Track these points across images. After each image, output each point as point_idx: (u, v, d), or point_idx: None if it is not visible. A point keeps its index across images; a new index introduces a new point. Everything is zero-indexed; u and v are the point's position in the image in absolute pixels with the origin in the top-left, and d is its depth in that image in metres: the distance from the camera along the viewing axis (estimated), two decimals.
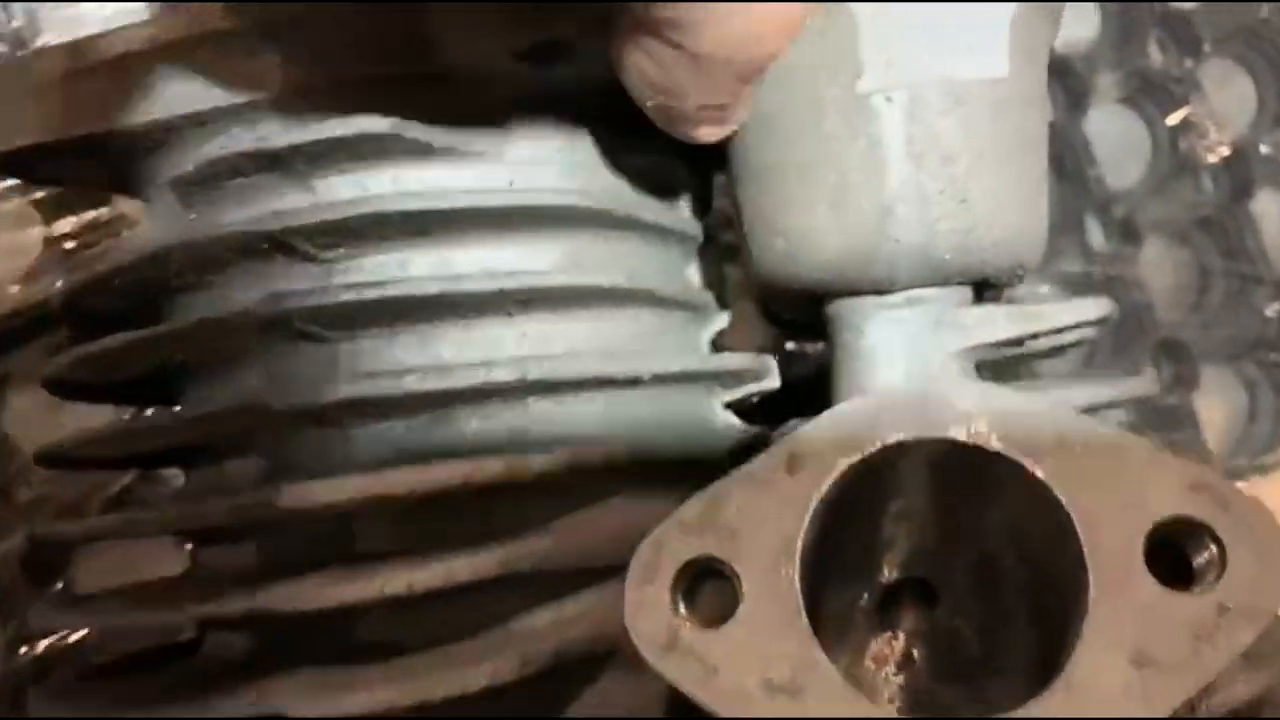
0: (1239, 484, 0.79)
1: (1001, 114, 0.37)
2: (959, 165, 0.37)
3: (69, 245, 0.60)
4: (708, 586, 0.34)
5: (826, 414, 0.34)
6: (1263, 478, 0.78)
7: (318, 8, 0.36)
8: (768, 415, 0.47)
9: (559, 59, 0.37)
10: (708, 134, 0.36)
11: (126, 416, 0.53)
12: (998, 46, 0.37)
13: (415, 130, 0.37)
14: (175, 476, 0.47)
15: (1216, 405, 0.78)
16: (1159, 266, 0.77)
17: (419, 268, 0.37)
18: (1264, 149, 0.78)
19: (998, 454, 0.33)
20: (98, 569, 0.52)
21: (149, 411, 0.50)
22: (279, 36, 0.36)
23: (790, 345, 0.64)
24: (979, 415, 0.33)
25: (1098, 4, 0.78)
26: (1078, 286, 0.76)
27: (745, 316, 0.48)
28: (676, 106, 0.34)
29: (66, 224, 0.60)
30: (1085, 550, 0.32)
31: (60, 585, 0.57)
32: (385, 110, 0.37)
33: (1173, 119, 0.78)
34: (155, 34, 0.37)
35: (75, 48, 0.38)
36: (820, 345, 0.43)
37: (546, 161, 0.39)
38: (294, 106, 0.37)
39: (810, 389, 0.45)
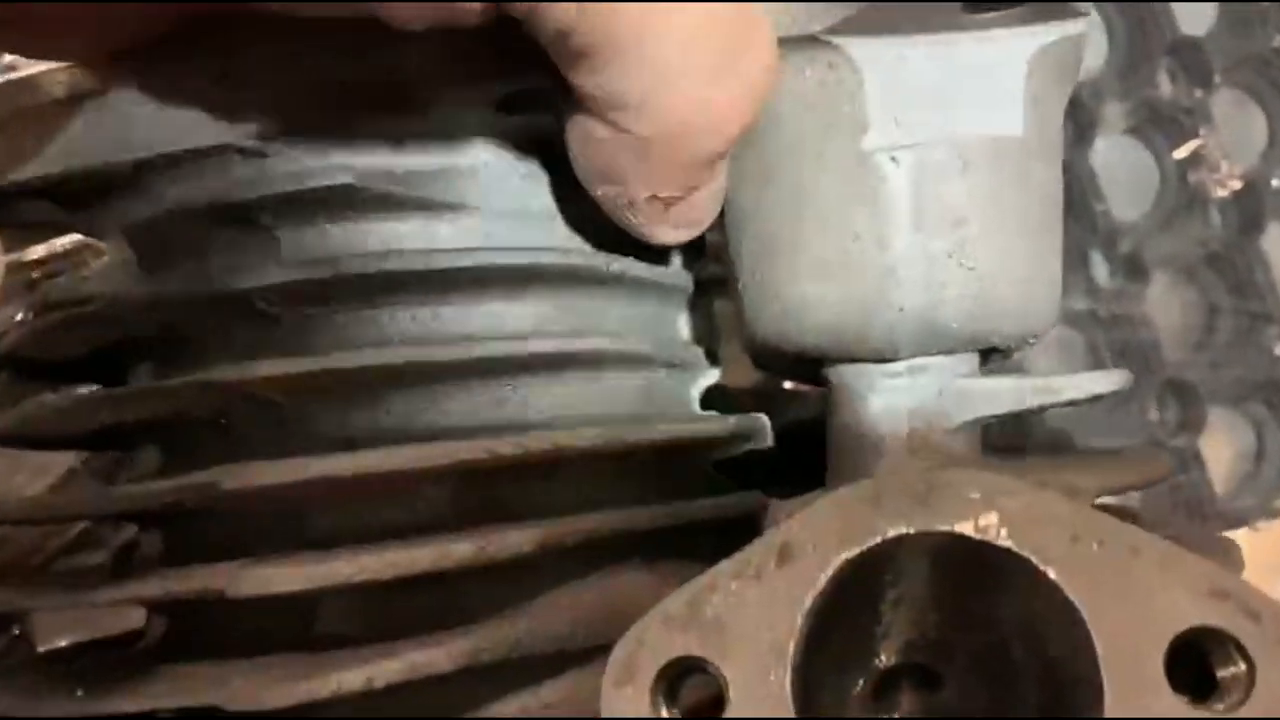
0: (1245, 529, 0.77)
1: (1014, 175, 0.35)
2: (968, 229, 0.35)
3: (34, 275, 0.58)
4: (693, 679, 0.31)
5: (822, 500, 0.32)
6: (1270, 521, 0.76)
7: (287, 51, 0.33)
8: (763, 456, 0.44)
9: (537, 107, 0.34)
10: (664, 235, 0.34)
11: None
12: (1012, 103, 0.34)
13: (387, 181, 0.34)
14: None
15: (1223, 446, 0.75)
16: (1166, 304, 0.75)
17: (389, 331, 0.35)
18: (1275, 183, 0.76)
19: (1006, 550, 0.30)
20: (56, 623, 0.50)
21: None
22: (244, 80, 0.34)
23: (788, 385, 0.61)
24: (987, 506, 0.31)
25: (1105, 32, 0.76)
26: (1082, 324, 0.73)
27: (740, 355, 0.46)
28: (623, 196, 0.33)
29: (31, 252, 0.58)
30: (1100, 656, 0.29)
31: (16, 632, 0.55)
32: (355, 160, 0.34)
33: (1181, 151, 0.75)
34: (106, 75, 0.34)
35: (24, 84, 0.36)
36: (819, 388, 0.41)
37: (526, 214, 0.37)
38: (256, 155, 0.34)
39: (808, 432, 0.42)
